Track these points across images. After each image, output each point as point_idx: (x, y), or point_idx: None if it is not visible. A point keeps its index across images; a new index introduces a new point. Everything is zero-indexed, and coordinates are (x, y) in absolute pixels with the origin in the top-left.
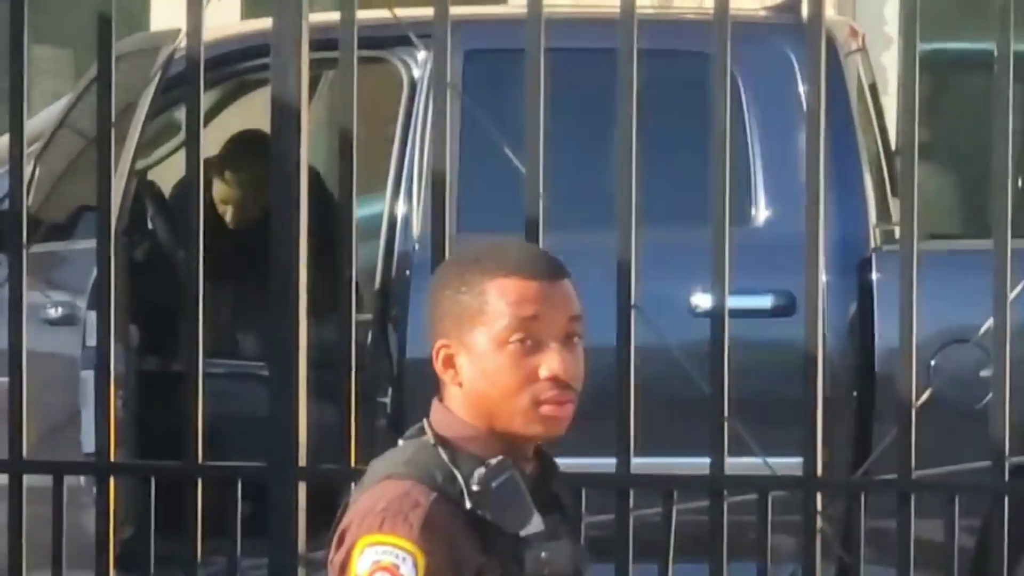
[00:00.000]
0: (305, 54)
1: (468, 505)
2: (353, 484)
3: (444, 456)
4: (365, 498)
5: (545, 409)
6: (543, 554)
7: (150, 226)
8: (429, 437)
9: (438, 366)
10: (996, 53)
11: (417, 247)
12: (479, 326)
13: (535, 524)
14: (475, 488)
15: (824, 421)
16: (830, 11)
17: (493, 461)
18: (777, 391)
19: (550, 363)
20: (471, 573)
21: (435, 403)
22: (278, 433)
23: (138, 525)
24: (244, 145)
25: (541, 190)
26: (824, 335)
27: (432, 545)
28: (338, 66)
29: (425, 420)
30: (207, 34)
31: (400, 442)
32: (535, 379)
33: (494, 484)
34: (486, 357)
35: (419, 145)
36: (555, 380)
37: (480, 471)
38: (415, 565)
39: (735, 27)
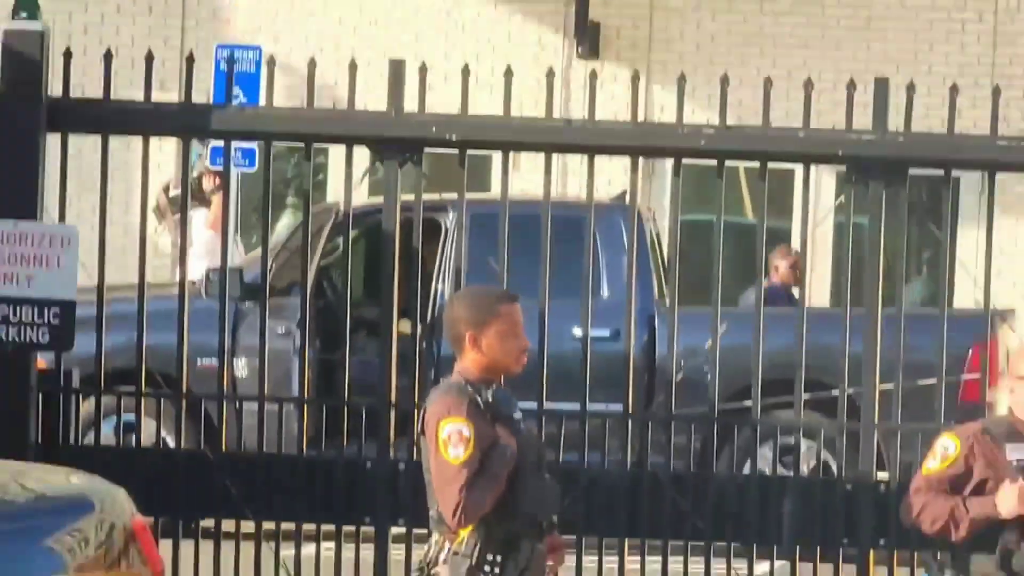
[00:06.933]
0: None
1: (482, 407)
2: None
3: (469, 387)
4: (434, 404)
5: (522, 360)
6: (525, 429)
7: (327, 299)
8: (460, 379)
9: (466, 346)
10: (714, 221)
11: None
12: (494, 325)
13: (517, 414)
14: (490, 399)
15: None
16: (640, 200)
17: (494, 386)
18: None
19: (525, 341)
20: (488, 439)
21: (457, 364)
22: None
23: None
24: None
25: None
26: (633, 351)
27: (473, 420)
28: None
29: (455, 371)
30: (355, 201)
31: (441, 381)
32: (520, 348)
33: (498, 395)
34: (502, 340)
35: None
36: (526, 348)
37: (489, 391)
38: (469, 429)
39: (596, 207)
